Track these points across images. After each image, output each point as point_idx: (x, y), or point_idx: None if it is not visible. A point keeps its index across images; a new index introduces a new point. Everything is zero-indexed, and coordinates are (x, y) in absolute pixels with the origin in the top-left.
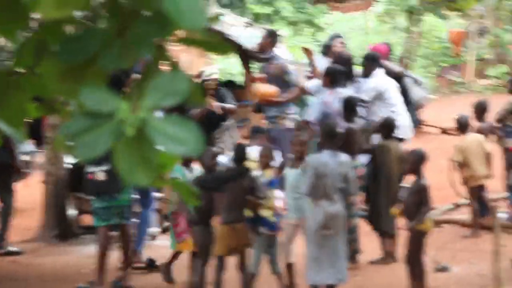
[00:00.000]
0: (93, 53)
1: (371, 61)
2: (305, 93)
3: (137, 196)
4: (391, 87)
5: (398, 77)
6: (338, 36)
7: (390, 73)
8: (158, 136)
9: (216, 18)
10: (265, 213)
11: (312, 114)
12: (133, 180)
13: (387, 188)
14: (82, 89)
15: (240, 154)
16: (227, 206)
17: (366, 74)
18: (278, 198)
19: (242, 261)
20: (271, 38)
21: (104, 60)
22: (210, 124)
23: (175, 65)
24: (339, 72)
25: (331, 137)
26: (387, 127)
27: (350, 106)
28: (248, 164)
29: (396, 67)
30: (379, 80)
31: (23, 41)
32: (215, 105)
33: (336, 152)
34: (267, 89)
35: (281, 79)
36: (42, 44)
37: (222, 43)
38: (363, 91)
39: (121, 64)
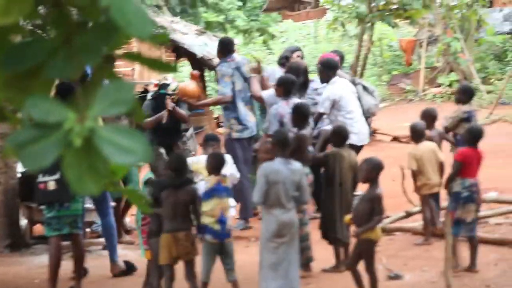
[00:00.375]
0: (39, 62)
1: (328, 69)
2: (226, 102)
3: (91, 206)
4: (347, 94)
5: None
6: (297, 49)
7: None
8: (106, 145)
9: (166, 34)
10: (206, 220)
11: (271, 127)
12: (82, 189)
13: (341, 196)
14: (27, 99)
15: (177, 164)
16: (167, 215)
17: (324, 81)
18: (231, 206)
19: (188, 270)
20: (219, 47)
21: (49, 69)
22: (169, 132)
23: (117, 77)
24: (292, 82)
25: (283, 145)
26: (338, 135)
27: (300, 112)
28: (193, 173)
29: (346, 76)
30: (333, 88)
31: None
32: (168, 103)
33: (288, 160)
34: (190, 87)
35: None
36: None
37: (166, 62)
38: (319, 103)
39: (66, 74)
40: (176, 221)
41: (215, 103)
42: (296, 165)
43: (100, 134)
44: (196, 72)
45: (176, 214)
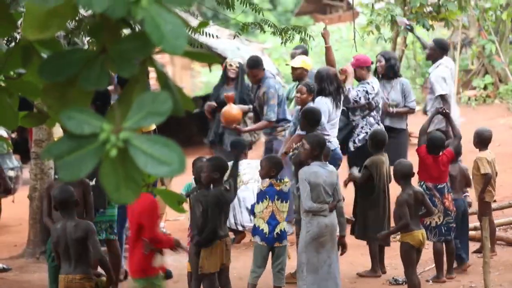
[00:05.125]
0: (75, 72)
1: (439, 49)
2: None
3: None
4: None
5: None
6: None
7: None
8: (141, 156)
9: (204, 24)
10: (257, 222)
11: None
12: (119, 198)
13: (384, 203)
14: (62, 111)
15: (221, 169)
16: (220, 222)
17: (434, 60)
18: (283, 210)
19: (226, 276)
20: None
21: (84, 80)
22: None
23: (164, 79)
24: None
25: (320, 148)
26: (375, 139)
27: (308, 117)
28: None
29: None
30: (443, 69)
31: (11, 48)
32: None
33: (324, 163)
34: (234, 111)
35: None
36: (28, 50)
37: (206, 53)
38: (433, 87)
39: (101, 85)
40: (225, 228)
41: (260, 128)
42: (331, 167)
43: (135, 145)
44: (231, 94)
45: (222, 221)
